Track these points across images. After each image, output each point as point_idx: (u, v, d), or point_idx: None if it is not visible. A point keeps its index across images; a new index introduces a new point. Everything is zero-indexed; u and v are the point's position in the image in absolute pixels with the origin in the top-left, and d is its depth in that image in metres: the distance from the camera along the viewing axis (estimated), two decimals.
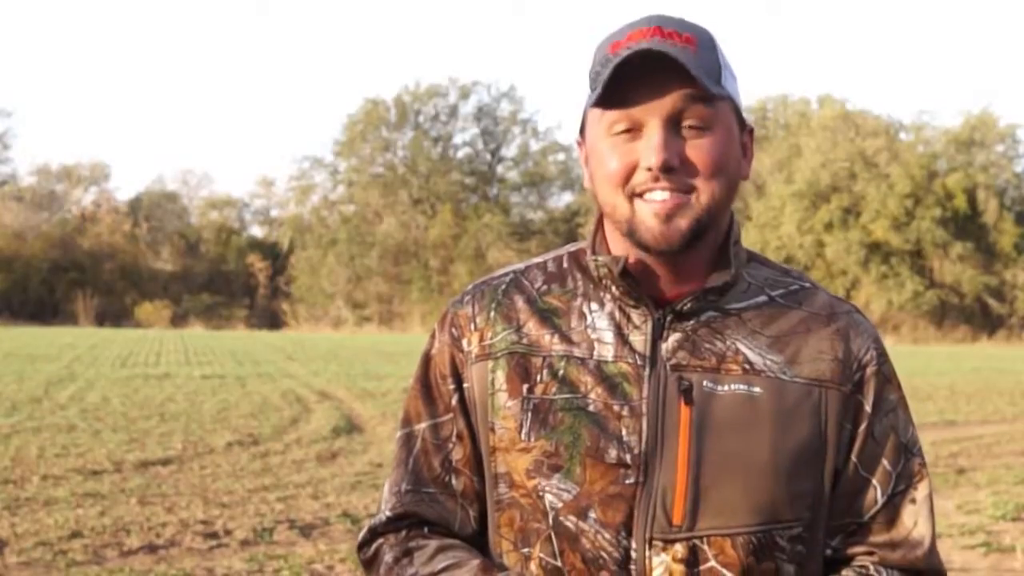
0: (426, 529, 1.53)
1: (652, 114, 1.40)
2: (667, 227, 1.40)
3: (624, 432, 1.42)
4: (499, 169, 57.00)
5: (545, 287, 1.54)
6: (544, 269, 1.56)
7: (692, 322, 1.46)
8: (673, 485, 1.40)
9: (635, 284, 1.45)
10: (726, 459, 1.41)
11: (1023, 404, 17.45)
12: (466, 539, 1.52)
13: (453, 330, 1.54)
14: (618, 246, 1.48)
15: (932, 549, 1.49)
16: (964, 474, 10.37)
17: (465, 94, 56.25)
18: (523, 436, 1.46)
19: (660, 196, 1.40)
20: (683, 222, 1.41)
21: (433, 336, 1.57)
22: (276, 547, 6.84)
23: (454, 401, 1.53)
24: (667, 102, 1.39)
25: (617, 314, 1.48)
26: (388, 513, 1.55)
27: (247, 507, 7.98)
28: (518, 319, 1.51)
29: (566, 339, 1.48)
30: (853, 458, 1.47)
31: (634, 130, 1.41)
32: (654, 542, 1.40)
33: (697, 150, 1.41)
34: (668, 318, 1.46)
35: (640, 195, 1.41)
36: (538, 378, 1.47)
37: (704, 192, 1.41)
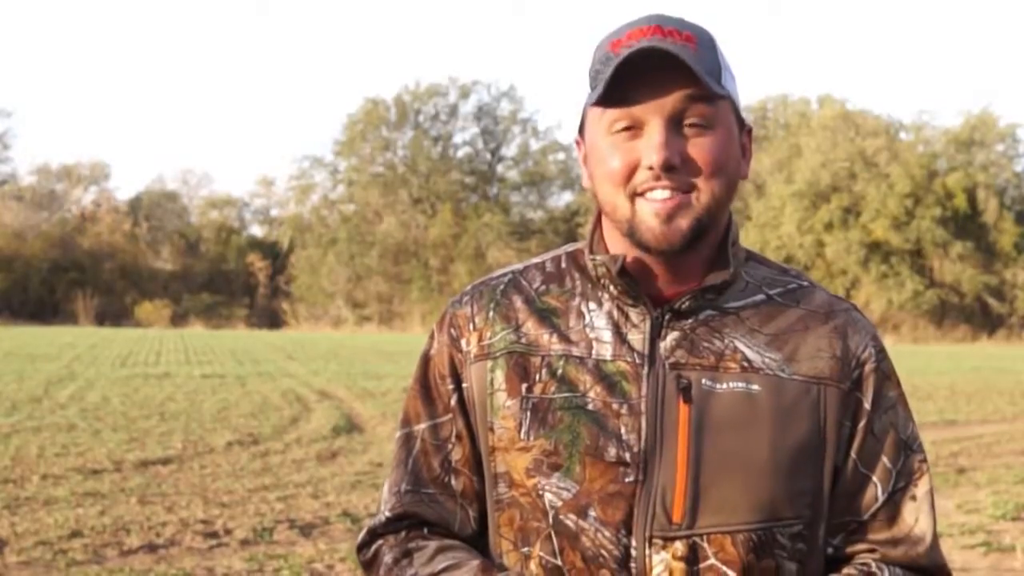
0: (426, 530, 1.53)
1: (653, 112, 1.39)
2: (668, 227, 1.40)
3: (623, 430, 1.42)
4: (499, 168, 57.03)
5: (543, 287, 1.54)
6: (542, 269, 1.56)
7: (690, 321, 1.46)
8: (673, 483, 1.40)
9: (633, 283, 1.45)
10: (725, 457, 1.41)
11: (1023, 404, 17.44)
12: (466, 539, 1.52)
13: (452, 330, 1.54)
14: (616, 245, 1.48)
15: (934, 545, 1.49)
16: (964, 473, 10.36)
17: (465, 94, 56.27)
18: (522, 435, 1.45)
19: (661, 195, 1.40)
20: (684, 222, 1.41)
21: (432, 336, 1.57)
22: (276, 547, 6.83)
23: (453, 401, 1.53)
24: (669, 101, 1.39)
25: (615, 313, 1.48)
26: (387, 514, 1.55)
27: (247, 507, 7.98)
28: (517, 319, 1.51)
29: (565, 338, 1.48)
30: (853, 455, 1.47)
31: (635, 128, 1.41)
32: (654, 540, 1.40)
33: (698, 149, 1.41)
34: (666, 317, 1.46)
35: (641, 194, 1.41)
36: (537, 377, 1.47)
37: (704, 191, 1.41)
